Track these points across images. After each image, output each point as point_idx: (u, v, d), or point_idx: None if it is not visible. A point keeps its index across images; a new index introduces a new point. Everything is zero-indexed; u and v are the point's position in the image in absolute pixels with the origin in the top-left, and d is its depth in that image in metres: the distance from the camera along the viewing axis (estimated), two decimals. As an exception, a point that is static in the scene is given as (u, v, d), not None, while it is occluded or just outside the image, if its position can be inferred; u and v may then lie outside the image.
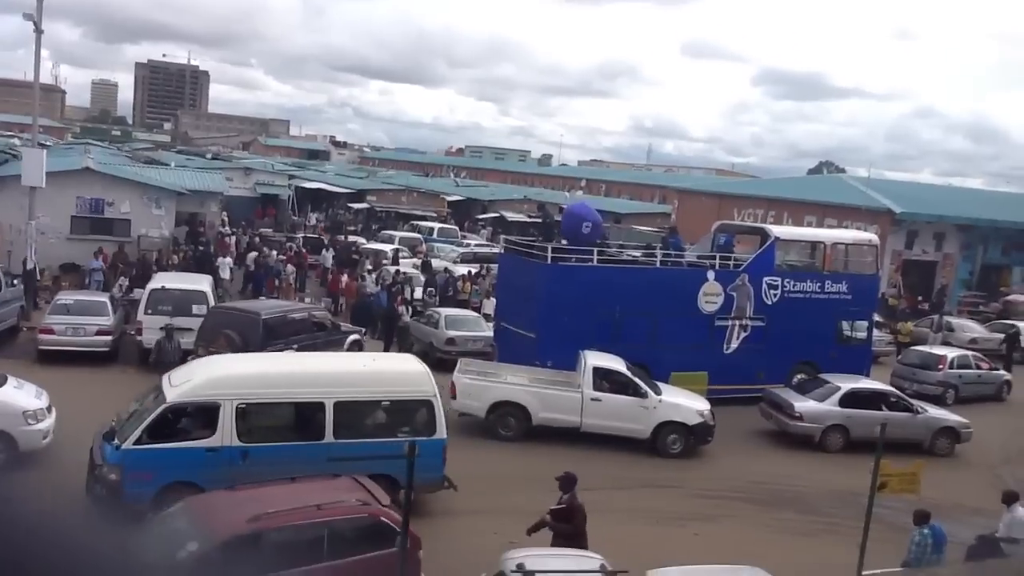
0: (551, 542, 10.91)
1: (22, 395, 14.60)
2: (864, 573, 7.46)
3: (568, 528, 10.87)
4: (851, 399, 19.62)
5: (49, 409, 14.59)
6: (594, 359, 18.48)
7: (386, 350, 24.45)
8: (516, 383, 18.48)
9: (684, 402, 18.44)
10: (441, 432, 13.47)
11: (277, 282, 29.96)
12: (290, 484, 10.65)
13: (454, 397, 18.03)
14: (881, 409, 19.56)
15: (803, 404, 19.57)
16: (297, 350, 19.96)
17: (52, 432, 14.39)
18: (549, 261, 20.60)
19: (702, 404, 18.54)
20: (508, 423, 18.02)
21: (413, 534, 9.95)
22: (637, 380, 18.36)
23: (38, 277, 26.61)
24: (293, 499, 9.99)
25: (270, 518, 9.39)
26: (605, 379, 18.22)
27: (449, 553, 11.74)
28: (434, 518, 12.92)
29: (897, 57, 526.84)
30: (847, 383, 20.35)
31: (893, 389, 21.16)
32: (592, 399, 17.93)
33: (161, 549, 9.33)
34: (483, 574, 9.76)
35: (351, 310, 26.35)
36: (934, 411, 20.32)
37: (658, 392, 18.32)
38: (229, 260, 28.64)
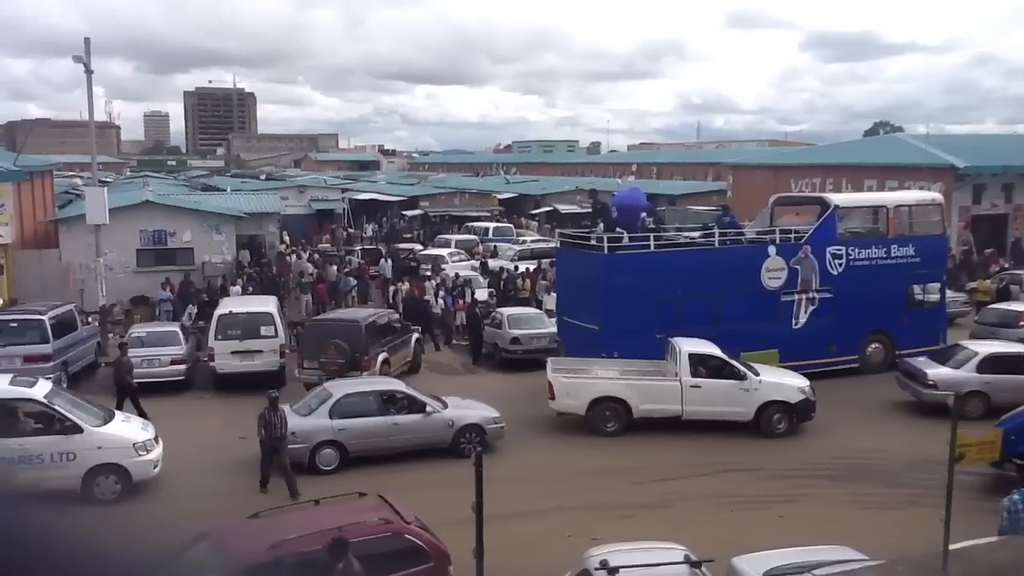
0: None
1: (130, 427, 15.45)
2: (952, 546, 7.27)
3: None
4: (991, 364, 18.88)
5: (156, 439, 15.32)
6: (687, 345, 18.38)
7: (475, 359, 24.75)
8: (610, 377, 18.48)
9: (784, 380, 18.36)
10: None
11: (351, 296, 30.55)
12: (313, 508, 10.66)
13: (552, 398, 18.10)
14: None
15: (937, 371, 19.02)
16: (388, 350, 21.53)
17: (160, 461, 15.09)
18: (606, 251, 20.47)
19: (802, 381, 18.43)
20: (609, 418, 18.02)
21: (441, 550, 9.95)
22: (734, 362, 18.26)
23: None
24: (314, 523, 9.87)
25: (290, 544, 9.28)
26: (701, 364, 18.15)
27: (536, 552, 11.76)
28: (520, 519, 12.94)
29: (949, 6, 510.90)
30: (986, 348, 19.77)
31: None
32: (691, 386, 17.86)
33: None
34: (567, 573, 9.75)
35: (404, 311, 26.95)
36: None
37: (756, 373, 18.17)
38: (237, 288, 28.49)
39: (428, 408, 16.78)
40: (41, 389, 15.11)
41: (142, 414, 17.77)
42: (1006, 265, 35.11)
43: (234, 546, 9.54)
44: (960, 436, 8.82)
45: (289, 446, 15.82)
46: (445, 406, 17.07)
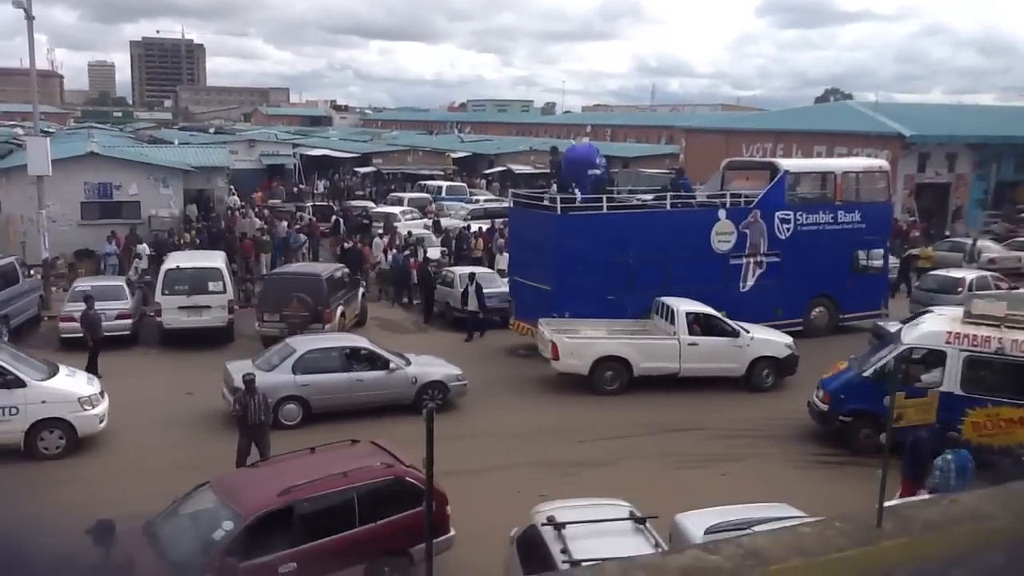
0: None
1: (75, 382, 15.21)
2: (887, 503, 7.54)
3: None
4: None
5: (102, 394, 15.17)
6: (683, 304, 18.96)
7: (427, 316, 24.72)
8: (611, 337, 18.83)
9: (772, 337, 19.22)
10: None
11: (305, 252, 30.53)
12: (310, 455, 10.77)
13: (557, 358, 18.31)
14: None
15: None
16: (343, 303, 21.91)
17: (106, 416, 14.95)
18: (559, 212, 20.50)
19: (787, 338, 19.38)
20: (611, 378, 18.35)
21: (438, 491, 10.12)
22: (727, 320, 18.90)
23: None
24: (317, 469, 10.05)
25: (299, 490, 9.51)
26: (696, 323, 18.76)
27: (486, 508, 11.90)
28: (470, 476, 13.06)
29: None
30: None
31: None
32: (689, 344, 18.43)
33: (193, 533, 9.48)
34: (515, 528, 9.90)
35: (336, 258, 28.20)
36: None
37: (747, 330, 18.86)
38: (145, 246, 27.18)
39: (392, 365, 16.84)
40: None
41: (93, 370, 17.50)
42: (931, 232, 35.90)
43: (243, 494, 9.63)
44: (898, 398, 9.09)
45: None
46: (408, 363, 17.14)
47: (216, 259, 22.95)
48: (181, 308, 20.98)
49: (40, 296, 23.86)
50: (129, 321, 21.21)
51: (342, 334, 19.52)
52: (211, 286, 21.29)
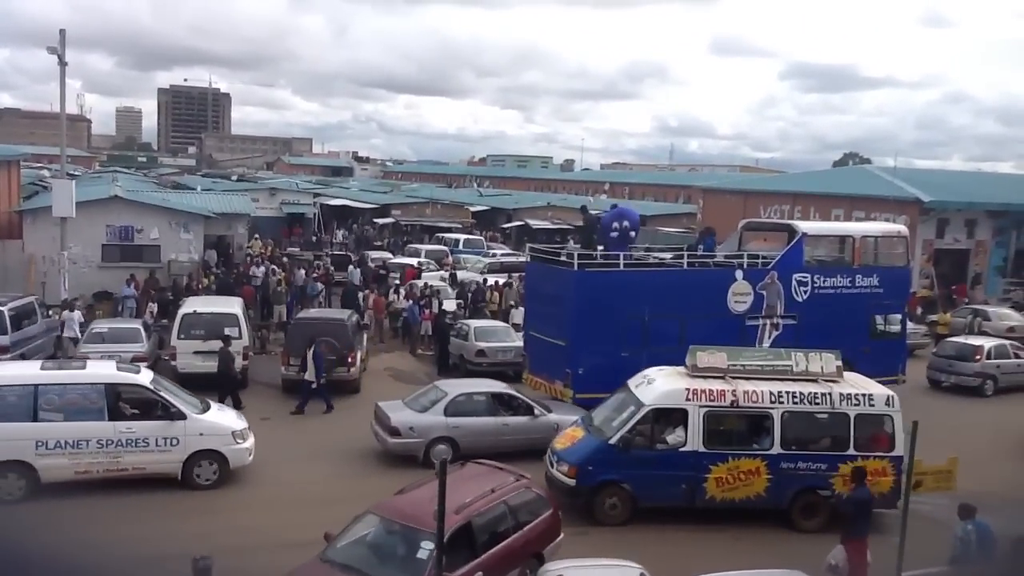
0: None
1: (228, 416, 15.86)
2: (905, 573, 7.37)
3: None
4: None
5: (249, 429, 15.65)
6: None
7: (441, 367, 24.66)
8: None
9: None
10: None
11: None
12: (434, 481, 10.94)
13: None
14: None
15: None
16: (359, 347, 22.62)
17: (254, 450, 15.52)
18: (576, 268, 20.53)
19: None
20: None
21: (554, 500, 11.79)
22: None
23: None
24: (473, 487, 10.92)
25: (471, 506, 10.38)
26: None
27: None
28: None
29: (929, 44, 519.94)
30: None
31: None
32: None
33: (391, 556, 10.10)
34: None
35: (341, 297, 29.26)
36: None
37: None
38: (77, 314, 23.97)
39: (536, 411, 17.51)
40: (146, 376, 15.48)
41: (238, 405, 18.72)
42: (965, 300, 35.70)
43: (423, 516, 9.81)
44: (916, 464, 8.95)
45: (406, 440, 16.54)
46: (550, 410, 17.76)
47: (233, 305, 23.08)
48: (196, 353, 21.04)
49: (57, 337, 23.97)
50: (144, 364, 21.22)
51: (489, 380, 19.80)
52: (227, 331, 21.36)
